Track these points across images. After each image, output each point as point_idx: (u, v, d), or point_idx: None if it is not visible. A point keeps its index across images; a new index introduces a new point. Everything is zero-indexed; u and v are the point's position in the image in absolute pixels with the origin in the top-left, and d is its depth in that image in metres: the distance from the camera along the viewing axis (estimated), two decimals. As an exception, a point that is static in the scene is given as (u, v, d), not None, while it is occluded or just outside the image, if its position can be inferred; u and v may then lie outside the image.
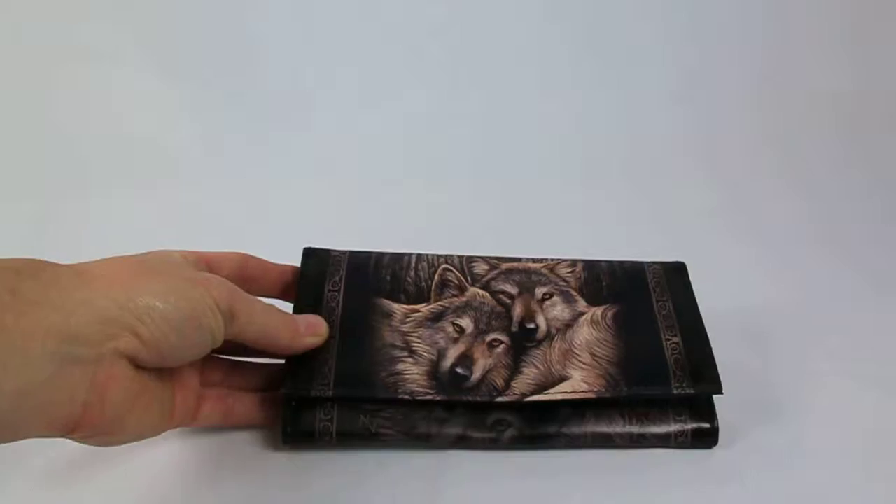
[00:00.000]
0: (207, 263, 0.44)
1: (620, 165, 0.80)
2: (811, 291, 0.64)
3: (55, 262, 0.36)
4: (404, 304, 0.48)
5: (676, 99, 0.83)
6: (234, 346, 0.43)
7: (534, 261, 0.51)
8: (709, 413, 0.46)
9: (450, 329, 0.47)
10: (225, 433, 0.47)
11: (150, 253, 0.41)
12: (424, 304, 0.48)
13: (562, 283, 0.50)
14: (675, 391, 0.45)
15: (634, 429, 0.46)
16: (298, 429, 0.44)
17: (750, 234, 0.72)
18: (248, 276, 0.47)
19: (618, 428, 0.46)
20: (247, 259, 0.47)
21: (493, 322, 0.47)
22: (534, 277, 0.50)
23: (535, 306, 0.48)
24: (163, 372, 0.39)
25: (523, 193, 0.77)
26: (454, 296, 0.49)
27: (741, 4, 0.85)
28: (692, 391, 0.45)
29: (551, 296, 0.49)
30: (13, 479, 0.44)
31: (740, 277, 0.65)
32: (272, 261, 0.49)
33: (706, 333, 0.48)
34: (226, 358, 0.47)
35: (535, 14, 0.84)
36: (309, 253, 0.50)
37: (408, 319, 0.47)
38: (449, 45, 0.83)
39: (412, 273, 0.49)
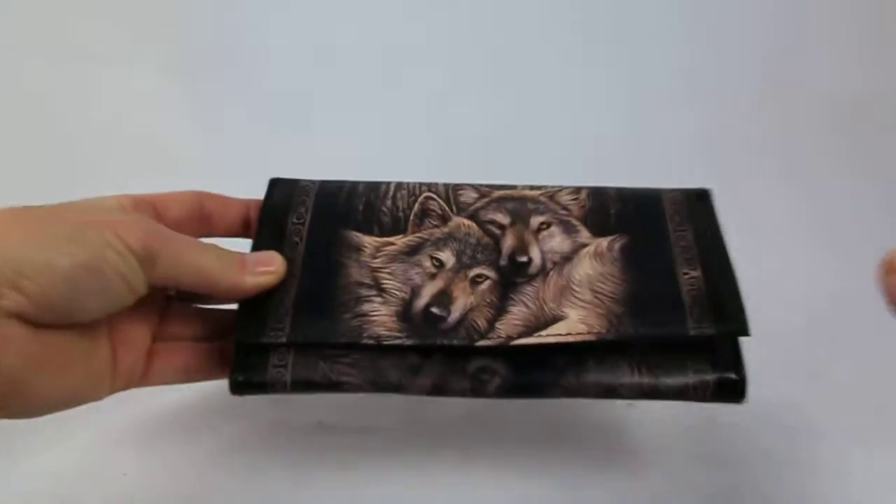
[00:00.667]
0: (152, 206, 0.40)
1: (623, 165, 0.76)
2: (815, 290, 0.62)
3: None
4: (377, 236, 0.42)
5: (679, 98, 0.82)
6: (179, 292, 0.39)
7: (531, 188, 0.45)
8: (734, 360, 0.38)
9: (427, 263, 0.41)
10: (214, 425, 0.47)
11: (71, 202, 0.37)
12: (400, 236, 0.42)
13: (562, 212, 0.43)
14: (691, 332, 0.38)
15: (645, 380, 0.38)
16: (249, 378, 0.38)
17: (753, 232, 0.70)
18: (206, 214, 0.42)
19: (624, 379, 0.38)
20: (202, 197, 0.42)
21: (479, 255, 0.41)
22: (530, 206, 0.43)
23: (529, 237, 0.42)
24: (92, 328, 0.35)
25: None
26: (435, 226, 0.42)
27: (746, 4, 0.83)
28: (712, 331, 0.37)
29: (549, 226, 0.42)
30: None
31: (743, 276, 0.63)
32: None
33: (732, 267, 0.40)
34: (190, 306, 0.43)
35: (538, 13, 0.83)
36: (274, 183, 0.44)
37: (379, 253, 0.41)
38: (450, 45, 0.83)
39: (389, 202, 0.43)
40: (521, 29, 0.84)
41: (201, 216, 0.42)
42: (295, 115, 0.80)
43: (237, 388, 0.39)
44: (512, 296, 0.39)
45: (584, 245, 0.42)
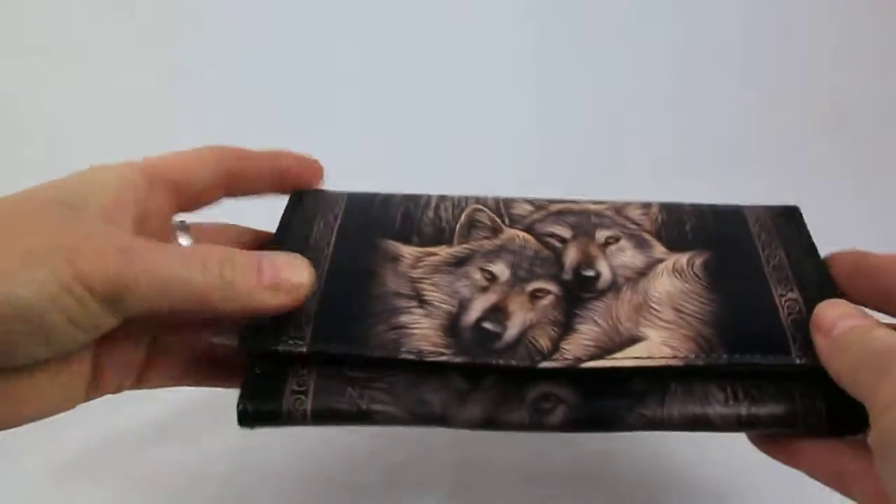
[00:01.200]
0: (171, 181, 0.34)
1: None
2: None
3: None
4: (417, 246, 0.36)
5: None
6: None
7: (594, 202, 0.39)
8: None
9: (477, 276, 0.35)
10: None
11: (54, 184, 0.31)
12: (445, 247, 0.36)
13: (632, 226, 0.38)
14: (797, 360, 0.32)
15: (742, 408, 0.32)
16: (261, 406, 0.32)
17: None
18: (234, 176, 0.36)
19: (718, 407, 0.32)
20: (225, 156, 0.36)
21: (537, 269, 0.35)
22: (594, 219, 0.38)
23: (595, 251, 0.36)
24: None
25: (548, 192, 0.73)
26: (485, 238, 0.37)
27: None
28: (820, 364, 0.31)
29: (617, 239, 0.37)
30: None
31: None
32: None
33: (835, 288, 0.34)
34: None
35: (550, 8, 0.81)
36: (298, 196, 0.39)
37: (420, 264, 0.35)
38: (461, 42, 0.80)
39: (430, 213, 0.38)
40: (532, 24, 0.81)
41: (228, 180, 0.36)
42: (296, 116, 0.77)
43: (246, 420, 0.32)
44: (579, 313, 0.33)
45: (660, 260, 0.36)
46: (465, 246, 0.36)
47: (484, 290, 0.34)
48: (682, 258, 0.36)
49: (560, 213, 0.38)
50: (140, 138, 0.67)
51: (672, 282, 0.35)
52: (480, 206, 0.38)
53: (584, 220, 0.38)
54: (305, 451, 0.45)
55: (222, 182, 0.35)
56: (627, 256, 0.36)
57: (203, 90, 0.77)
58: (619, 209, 0.39)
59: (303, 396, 0.32)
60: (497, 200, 0.39)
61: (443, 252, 0.36)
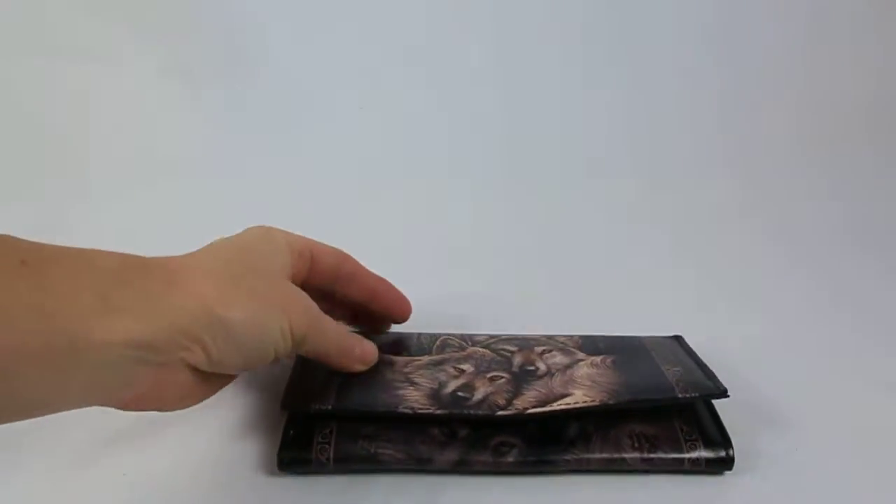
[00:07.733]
0: (312, 252, 0.46)
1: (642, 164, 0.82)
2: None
3: (151, 256, 0.37)
4: (405, 356, 0.50)
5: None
6: None
7: (531, 335, 0.54)
8: (723, 441, 0.45)
9: (451, 370, 0.48)
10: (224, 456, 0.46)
11: (252, 237, 0.43)
12: (426, 357, 0.50)
13: (560, 343, 0.52)
14: (679, 396, 0.45)
15: (644, 453, 0.45)
16: (295, 455, 0.44)
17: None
18: (343, 275, 0.49)
19: (627, 451, 0.45)
20: (345, 258, 0.49)
21: (494, 366, 0.49)
22: (532, 342, 0.52)
23: (534, 356, 0.50)
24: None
25: (534, 189, 0.80)
26: (455, 352, 0.51)
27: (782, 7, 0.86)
28: (696, 394, 0.45)
29: (551, 350, 0.51)
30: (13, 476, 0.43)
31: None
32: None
33: (708, 367, 0.49)
34: None
35: (546, 10, 0.84)
36: None
37: (408, 366, 0.49)
38: (455, 44, 0.84)
39: (414, 340, 0.53)
40: (527, 25, 0.85)
41: (338, 275, 0.49)
42: (294, 115, 0.81)
43: (283, 465, 0.44)
44: (524, 386, 0.47)
45: (581, 360, 0.51)
46: (440, 356, 0.51)
47: (456, 377, 0.48)
48: (597, 358, 0.51)
49: (508, 339, 0.53)
50: (140, 139, 0.78)
51: (589, 370, 0.49)
52: (449, 335, 0.53)
53: (525, 342, 0.53)
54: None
55: (333, 277, 0.48)
56: (558, 359, 0.50)
57: (203, 90, 0.80)
58: (550, 336, 0.54)
59: (326, 446, 0.44)
60: (462, 335, 0.54)
61: (425, 359, 0.50)
